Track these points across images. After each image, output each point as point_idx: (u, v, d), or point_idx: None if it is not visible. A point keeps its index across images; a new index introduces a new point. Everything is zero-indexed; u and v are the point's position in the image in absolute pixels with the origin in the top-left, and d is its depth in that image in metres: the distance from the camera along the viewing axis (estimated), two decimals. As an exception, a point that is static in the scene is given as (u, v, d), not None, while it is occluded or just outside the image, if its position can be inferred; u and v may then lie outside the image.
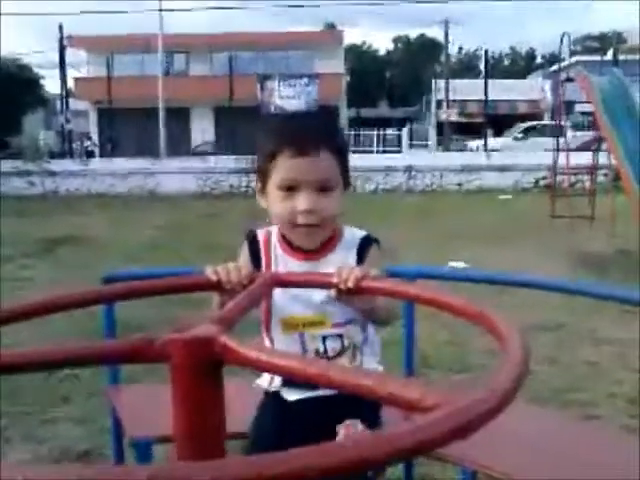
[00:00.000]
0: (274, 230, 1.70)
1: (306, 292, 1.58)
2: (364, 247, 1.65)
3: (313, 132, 1.57)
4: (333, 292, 1.37)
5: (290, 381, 1.59)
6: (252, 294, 1.13)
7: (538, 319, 5.14)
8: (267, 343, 1.66)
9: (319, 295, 1.58)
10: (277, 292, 1.57)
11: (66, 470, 0.50)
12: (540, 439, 2.05)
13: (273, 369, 0.78)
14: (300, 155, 1.52)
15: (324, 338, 1.62)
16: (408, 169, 19.07)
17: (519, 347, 0.78)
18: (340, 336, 1.63)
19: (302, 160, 1.52)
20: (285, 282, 1.36)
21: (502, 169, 18.83)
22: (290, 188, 1.54)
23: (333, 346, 1.63)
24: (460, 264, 7.45)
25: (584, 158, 12.25)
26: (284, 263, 1.64)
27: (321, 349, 1.63)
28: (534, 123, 34.91)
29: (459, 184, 18.77)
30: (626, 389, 3.85)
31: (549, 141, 17.82)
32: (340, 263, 1.53)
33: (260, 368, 0.80)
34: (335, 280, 1.33)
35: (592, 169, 11.71)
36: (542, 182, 17.04)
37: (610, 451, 1.96)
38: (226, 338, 0.82)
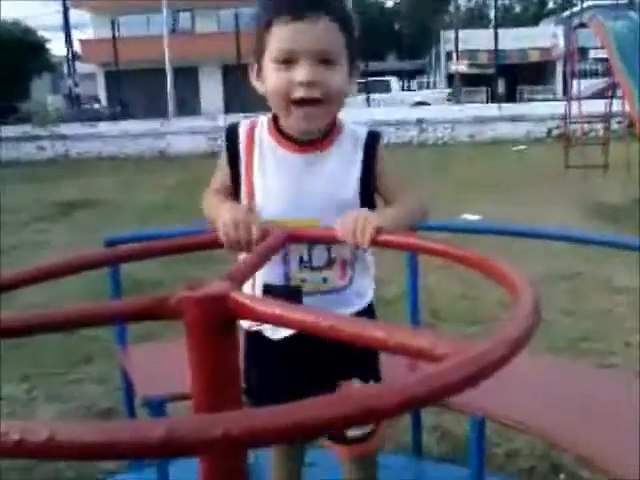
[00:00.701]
0: (263, 119, 1.52)
1: (300, 189, 1.45)
2: (372, 145, 1.49)
3: None
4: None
5: None
6: (263, 252, 1.13)
7: (553, 268, 5.14)
8: None
9: (315, 193, 1.44)
10: (263, 181, 1.46)
11: (87, 426, 0.51)
12: (553, 387, 2.06)
13: (285, 323, 0.79)
14: (297, 20, 1.33)
15: (310, 246, 1.47)
16: (419, 122, 18.89)
17: (529, 297, 0.78)
18: (327, 247, 1.48)
19: (299, 25, 1.33)
20: (299, 238, 1.33)
21: (514, 119, 18.61)
22: (287, 61, 1.36)
23: (319, 256, 1.48)
24: (475, 216, 7.42)
25: (598, 106, 12.07)
26: (273, 154, 1.47)
27: (305, 257, 1.47)
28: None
29: (471, 136, 18.59)
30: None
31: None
32: (343, 158, 1.45)
33: (272, 322, 0.81)
34: (348, 239, 1.23)
35: (606, 117, 11.56)
36: (555, 132, 16.84)
37: (624, 396, 1.97)
38: (237, 294, 0.82)
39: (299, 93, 1.36)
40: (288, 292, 1.44)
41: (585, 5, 20.35)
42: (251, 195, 1.48)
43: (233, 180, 1.52)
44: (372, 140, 1.49)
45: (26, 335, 0.81)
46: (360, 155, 1.47)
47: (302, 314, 0.76)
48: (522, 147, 16.26)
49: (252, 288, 1.49)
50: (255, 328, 1.53)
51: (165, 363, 2.11)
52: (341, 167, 1.46)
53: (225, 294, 0.83)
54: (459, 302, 4.63)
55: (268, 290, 1.45)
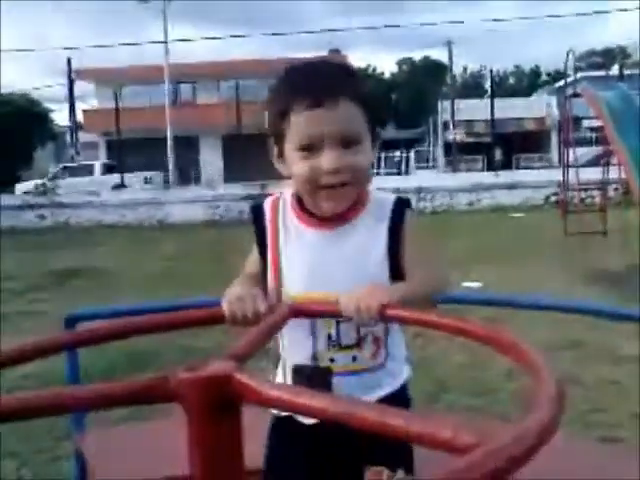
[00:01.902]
0: (285, 195, 1.49)
1: (325, 265, 1.39)
2: (398, 214, 1.42)
3: (328, 78, 1.34)
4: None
5: None
6: (268, 328, 1.08)
7: (556, 337, 5.07)
8: None
9: (340, 268, 1.39)
10: (289, 257, 1.42)
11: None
12: (562, 464, 1.97)
13: (295, 408, 0.73)
14: (316, 106, 1.29)
15: (338, 322, 1.38)
16: (418, 191, 19.05)
17: (553, 381, 0.74)
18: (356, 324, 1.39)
19: (319, 112, 1.29)
20: (306, 313, 1.28)
21: (511, 187, 18.80)
22: (310, 147, 1.32)
23: (347, 333, 1.40)
24: (475, 284, 7.38)
25: (594, 174, 12.20)
26: (296, 232, 1.43)
27: (333, 335, 1.40)
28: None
29: (469, 204, 18.73)
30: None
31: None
32: (368, 232, 1.39)
33: (281, 407, 0.76)
34: (353, 314, 1.19)
35: (602, 184, 11.67)
36: (552, 198, 16.97)
37: (635, 476, 1.88)
38: (243, 376, 0.77)
39: (326, 180, 1.34)
40: (317, 374, 1.36)
41: (578, 76, 20.82)
42: (277, 274, 1.44)
43: (262, 256, 1.48)
44: (399, 208, 1.43)
45: (11, 420, 0.76)
46: (386, 225, 1.41)
47: (311, 399, 0.71)
48: (520, 214, 16.36)
49: (283, 370, 1.46)
50: (285, 413, 1.44)
51: (123, 448, 1.99)
52: (366, 241, 1.41)
53: (229, 375, 0.78)
54: (463, 372, 4.55)
55: (297, 371, 1.39)
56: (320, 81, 1.34)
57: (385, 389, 1.46)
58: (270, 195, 1.53)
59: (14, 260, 11.49)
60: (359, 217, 1.42)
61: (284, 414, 1.45)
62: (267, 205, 1.49)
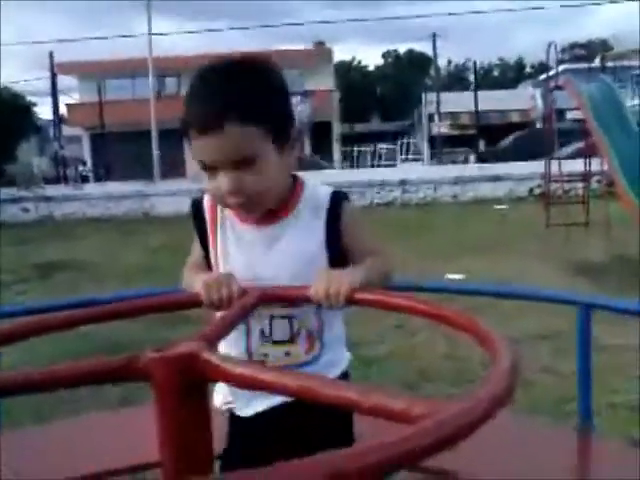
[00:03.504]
0: None
1: (261, 265, 1.41)
2: (335, 207, 1.44)
3: (215, 102, 1.30)
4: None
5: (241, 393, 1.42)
6: (239, 312, 1.11)
7: (535, 327, 5.12)
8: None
9: (275, 265, 1.40)
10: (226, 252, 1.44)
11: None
12: (535, 451, 2.01)
13: (256, 384, 0.76)
14: (202, 134, 1.29)
15: (271, 318, 1.41)
16: (402, 183, 19.10)
17: (508, 355, 0.77)
18: (289, 318, 1.42)
19: (206, 139, 1.29)
20: (276, 298, 1.31)
21: (495, 179, 18.87)
22: (210, 168, 1.34)
23: (280, 329, 1.42)
24: (458, 276, 7.43)
25: (577, 165, 12.27)
26: (233, 230, 1.46)
27: (266, 331, 1.42)
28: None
29: (454, 196, 18.79)
30: (626, 398, 3.81)
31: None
32: (302, 229, 1.42)
33: (243, 384, 0.78)
34: (323, 300, 1.23)
35: (585, 176, 11.74)
36: (536, 191, 17.06)
37: (610, 464, 1.91)
38: (208, 354, 0.80)
39: (229, 200, 1.35)
40: None
41: (561, 69, 20.92)
42: (217, 267, 1.47)
43: (205, 252, 1.51)
44: (335, 202, 1.44)
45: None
46: (322, 220, 1.42)
47: (273, 375, 0.74)
48: (504, 206, 16.43)
49: (223, 395, 1.48)
50: (225, 407, 1.49)
51: (40, 448, 1.96)
52: (301, 237, 1.42)
53: (195, 354, 0.80)
54: (445, 362, 4.59)
55: (238, 394, 1.42)
56: (208, 106, 1.30)
57: None
58: None
59: (-2, 253, 11.43)
60: (293, 213, 1.43)
61: (225, 408, 1.49)
62: (206, 203, 1.51)
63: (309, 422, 1.36)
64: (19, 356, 4.18)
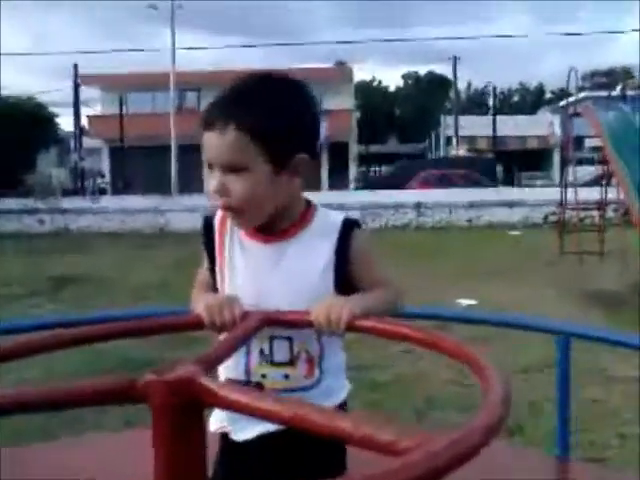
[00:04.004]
0: None
1: (266, 281, 1.42)
2: (347, 232, 1.44)
3: (225, 105, 1.38)
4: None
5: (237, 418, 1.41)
6: (239, 336, 1.12)
7: (545, 356, 5.08)
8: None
9: (280, 282, 1.41)
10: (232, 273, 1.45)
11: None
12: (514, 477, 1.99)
13: (250, 411, 0.77)
14: (206, 129, 1.36)
15: (272, 338, 1.40)
16: (417, 205, 19.09)
17: (500, 386, 0.77)
18: (289, 339, 1.41)
19: (210, 135, 1.35)
20: (278, 322, 1.32)
21: (511, 205, 18.83)
22: (210, 166, 1.39)
23: (280, 350, 1.41)
24: (470, 301, 7.40)
25: (594, 193, 12.22)
26: (240, 245, 1.47)
27: (266, 351, 1.41)
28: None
29: (469, 220, 18.76)
30: (636, 429, 3.77)
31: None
32: (308, 249, 1.42)
33: (239, 410, 0.79)
34: (323, 325, 1.24)
35: (601, 204, 11.68)
36: (552, 218, 16.99)
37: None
38: (206, 379, 0.81)
39: (217, 201, 1.39)
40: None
41: (581, 96, 20.92)
42: (222, 285, 1.48)
43: (211, 271, 1.52)
44: (347, 227, 1.45)
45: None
46: (331, 244, 1.43)
47: (268, 403, 0.75)
48: (518, 232, 16.38)
49: (219, 418, 1.47)
50: (221, 430, 1.48)
51: (41, 465, 1.94)
52: (306, 257, 1.43)
53: (192, 379, 0.81)
54: (452, 387, 4.57)
55: (235, 418, 1.41)
56: (220, 105, 1.38)
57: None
58: None
59: (13, 265, 11.52)
60: (300, 233, 1.45)
61: (220, 431, 1.48)
62: (217, 218, 1.52)
63: (304, 449, 1.35)
64: (37, 371, 4.24)
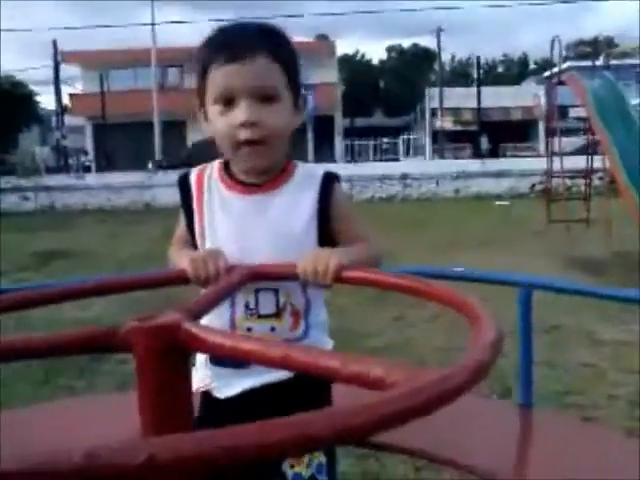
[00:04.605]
0: (214, 164, 1.51)
1: (249, 232, 1.40)
2: (328, 185, 1.43)
3: (247, 36, 1.37)
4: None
5: (221, 374, 1.41)
6: (224, 288, 1.10)
7: (534, 320, 5.11)
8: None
9: (263, 235, 1.39)
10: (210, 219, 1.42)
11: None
12: (533, 439, 2.00)
13: (236, 353, 0.75)
14: (232, 61, 1.32)
15: (257, 291, 1.38)
16: (403, 177, 19.07)
17: (490, 328, 0.76)
18: (275, 291, 1.39)
19: (235, 66, 1.32)
20: (263, 276, 1.30)
21: (498, 175, 18.85)
22: (228, 101, 1.34)
23: (266, 302, 1.39)
24: (457, 269, 7.41)
25: (580, 163, 12.24)
26: (220, 198, 1.44)
27: (252, 304, 1.39)
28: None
29: (455, 191, 18.77)
30: (626, 391, 3.81)
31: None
32: (292, 200, 1.41)
33: (223, 353, 0.77)
34: (310, 277, 1.23)
35: (587, 173, 11.71)
36: (538, 187, 17.03)
37: (609, 453, 1.89)
38: (190, 324, 0.79)
39: (242, 135, 1.34)
40: None
41: (565, 66, 20.88)
42: (203, 241, 1.45)
43: (189, 228, 1.49)
44: (327, 181, 1.44)
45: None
46: (312, 196, 1.42)
47: (254, 344, 0.73)
48: (505, 202, 16.41)
49: (204, 376, 1.45)
50: (203, 389, 1.46)
51: (36, 426, 1.93)
52: (289, 209, 1.41)
53: (177, 324, 0.79)
54: (444, 354, 4.58)
55: (219, 375, 1.40)
56: (240, 38, 1.36)
57: None
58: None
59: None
60: (284, 186, 1.43)
61: (202, 389, 1.46)
62: (193, 175, 1.50)
63: (289, 406, 1.33)
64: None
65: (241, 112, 1.32)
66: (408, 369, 0.63)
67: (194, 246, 1.48)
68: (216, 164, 1.50)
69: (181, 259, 1.35)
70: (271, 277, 1.30)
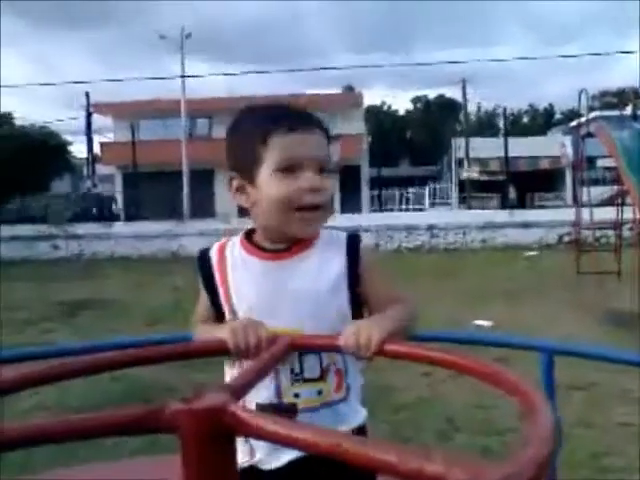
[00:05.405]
0: (234, 238, 1.52)
1: (272, 294, 1.39)
2: (354, 247, 1.45)
3: (299, 110, 1.46)
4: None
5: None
6: (266, 361, 1.08)
7: (567, 378, 5.00)
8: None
9: (288, 300, 1.38)
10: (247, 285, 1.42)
11: None
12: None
13: (287, 441, 0.72)
14: (297, 130, 1.38)
15: (300, 354, 1.36)
16: (430, 227, 19.03)
17: (547, 415, 0.73)
18: (318, 354, 1.38)
19: (300, 135, 1.38)
20: (306, 347, 1.27)
21: (525, 225, 18.73)
22: (290, 168, 1.38)
23: (311, 366, 1.38)
24: (486, 322, 7.32)
25: (608, 213, 12.14)
26: (244, 265, 1.44)
27: (296, 369, 1.37)
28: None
29: (483, 241, 18.66)
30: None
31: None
32: (323, 262, 1.41)
33: (272, 440, 0.75)
34: (353, 349, 1.20)
35: (617, 224, 11.59)
36: (566, 238, 16.88)
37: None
38: (236, 408, 0.77)
39: (308, 199, 1.38)
40: (283, 411, 1.32)
41: (591, 116, 20.92)
42: (232, 311, 1.43)
43: (213, 303, 1.47)
44: (353, 243, 1.45)
45: (9, 449, 0.75)
46: (340, 259, 1.42)
47: (305, 432, 0.71)
48: (533, 253, 16.26)
49: (251, 451, 1.40)
50: (247, 464, 1.40)
51: None
52: (317, 272, 1.41)
53: (223, 407, 0.77)
54: (474, 411, 4.49)
55: (261, 410, 1.33)
56: (294, 111, 1.45)
57: (351, 423, 1.43)
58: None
59: (27, 290, 11.55)
60: (311, 249, 1.43)
61: (246, 465, 1.40)
62: (214, 250, 1.50)
63: (336, 472, 1.30)
64: (54, 396, 4.20)
65: (308, 178, 1.38)
66: (469, 466, 0.60)
67: (219, 321, 1.46)
68: (236, 238, 1.51)
69: (218, 331, 1.32)
70: (314, 349, 1.28)
